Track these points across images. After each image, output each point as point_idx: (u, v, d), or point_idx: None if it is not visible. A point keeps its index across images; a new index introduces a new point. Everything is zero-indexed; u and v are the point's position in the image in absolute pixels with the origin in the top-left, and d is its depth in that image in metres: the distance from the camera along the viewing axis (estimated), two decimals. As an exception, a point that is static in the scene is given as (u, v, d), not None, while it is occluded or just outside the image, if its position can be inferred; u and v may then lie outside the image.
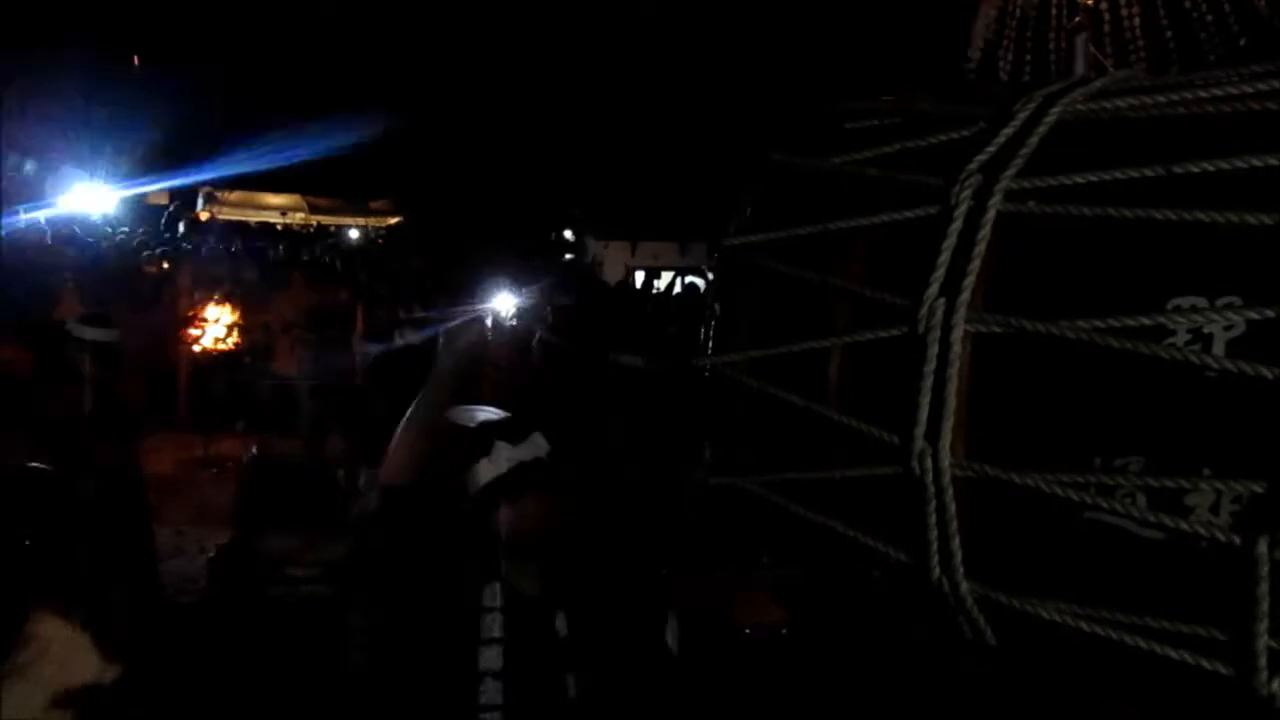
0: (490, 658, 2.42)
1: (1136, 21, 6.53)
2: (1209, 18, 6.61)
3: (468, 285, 13.68)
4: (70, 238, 14.37)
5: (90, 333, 5.16)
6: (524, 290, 13.38)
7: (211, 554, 4.52)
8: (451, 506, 2.65)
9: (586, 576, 2.61)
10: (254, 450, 6.06)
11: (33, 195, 15.53)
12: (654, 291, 18.82)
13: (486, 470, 2.56)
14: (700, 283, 20.33)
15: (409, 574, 2.64)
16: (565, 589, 2.56)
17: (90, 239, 15.10)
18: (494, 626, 2.44)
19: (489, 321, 12.23)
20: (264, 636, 3.98)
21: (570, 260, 22.89)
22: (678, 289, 21.00)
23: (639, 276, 22.74)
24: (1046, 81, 1.76)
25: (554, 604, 2.54)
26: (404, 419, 2.99)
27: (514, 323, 12.72)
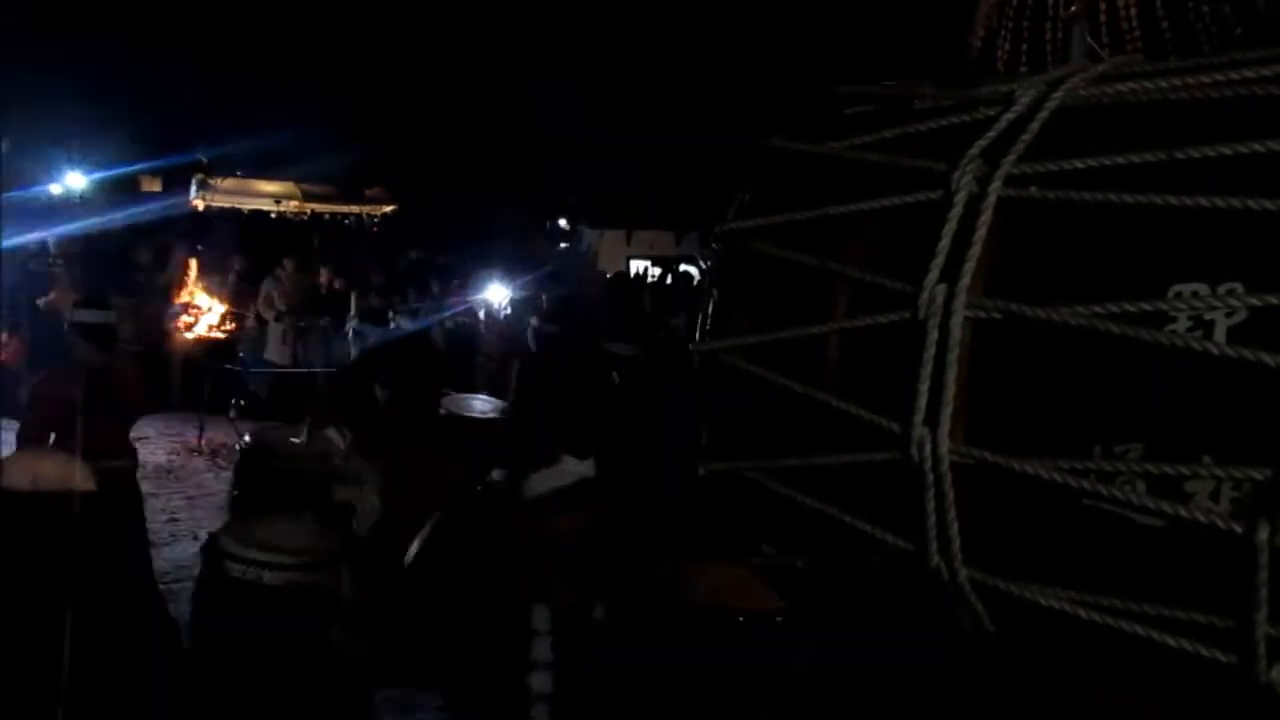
0: (541, 681, 2.43)
1: (1133, 11, 6.51)
2: (1204, 7, 6.60)
3: (463, 274, 13.66)
4: (61, 223, 14.29)
5: (87, 315, 5.12)
6: (519, 280, 13.37)
7: (205, 540, 4.49)
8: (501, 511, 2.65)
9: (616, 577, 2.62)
10: (247, 438, 6.02)
11: (20, 180, 15.45)
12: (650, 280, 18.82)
13: (550, 480, 2.55)
14: (694, 270, 20.34)
15: (447, 574, 2.64)
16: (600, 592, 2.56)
17: (81, 224, 15.03)
18: (545, 649, 2.45)
19: (483, 312, 12.21)
20: (257, 622, 3.97)
21: (565, 249, 22.86)
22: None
23: (634, 266, 22.75)
24: (1046, 69, 1.75)
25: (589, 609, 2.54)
26: None
27: (508, 312, 12.71)
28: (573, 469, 2.58)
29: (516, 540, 2.58)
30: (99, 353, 5.04)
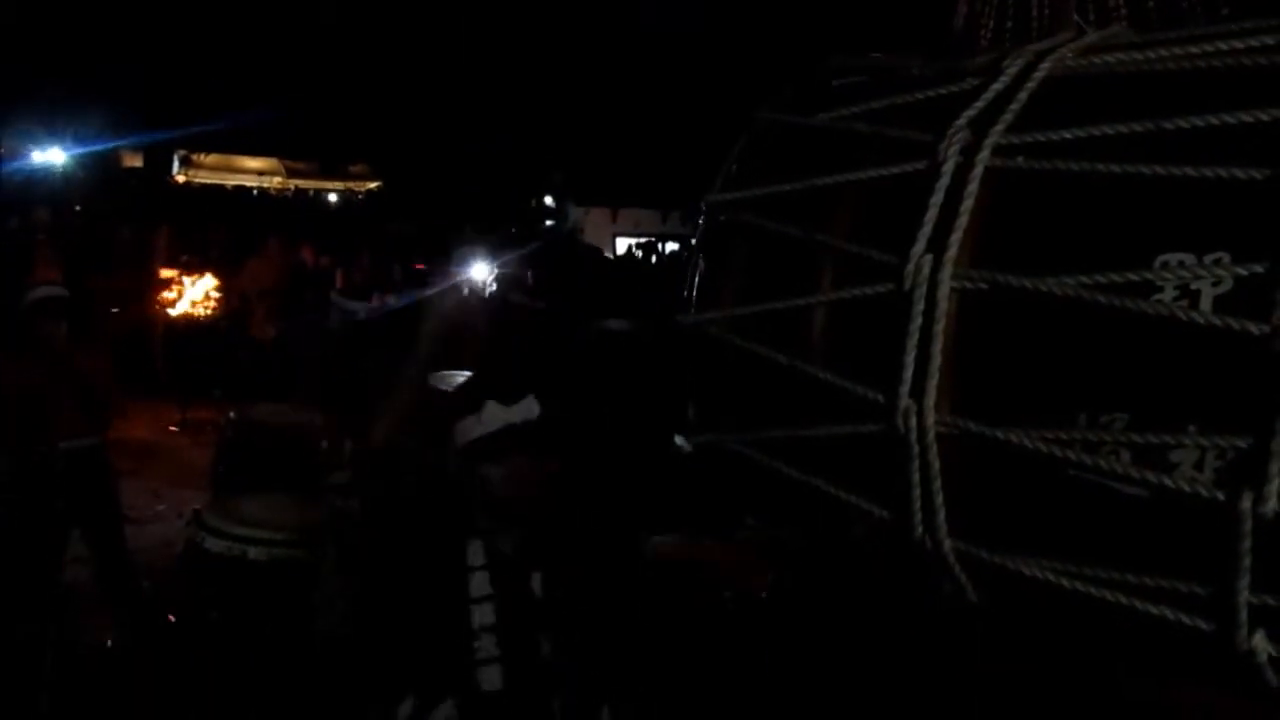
0: (484, 613, 2.43)
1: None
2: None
3: (447, 251, 13.62)
4: (44, 199, 14.17)
5: (41, 291, 5.06)
6: (503, 257, 13.35)
7: (189, 518, 4.48)
8: (435, 465, 2.64)
9: (566, 538, 2.61)
10: (231, 415, 6.00)
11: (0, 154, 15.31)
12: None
13: (473, 427, 2.54)
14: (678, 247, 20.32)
15: (389, 536, 2.64)
16: (543, 550, 2.56)
17: (63, 201, 14.91)
18: (483, 584, 2.45)
19: (467, 289, 12.19)
20: (241, 598, 3.97)
21: (552, 227, 22.76)
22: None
23: (620, 244, 22.71)
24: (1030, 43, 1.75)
25: (531, 564, 2.54)
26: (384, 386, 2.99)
27: (493, 288, 12.69)
28: (497, 414, 2.56)
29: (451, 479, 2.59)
30: (58, 325, 4.99)
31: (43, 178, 16.46)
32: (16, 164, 16.05)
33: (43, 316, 4.96)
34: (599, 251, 17.37)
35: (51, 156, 16.84)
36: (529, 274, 12.54)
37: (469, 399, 2.62)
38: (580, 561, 2.60)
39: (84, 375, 5.06)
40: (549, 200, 23.79)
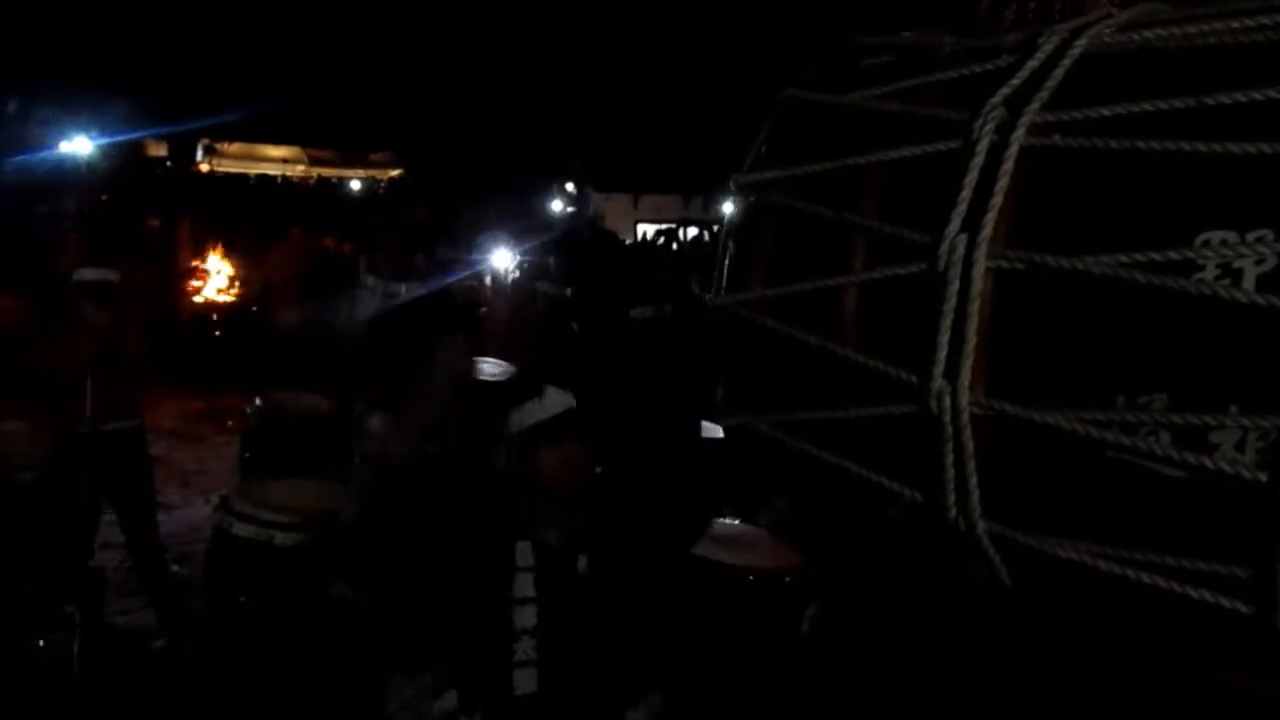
0: (525, 615, 2.42)
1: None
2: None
3: (469, 239, 13.63)
4: (70, 188, 14.27)
5: (89, 273, 5.08)
6: (526, 245, 13.34)
7: (216, 504, 4.52)
8: (479, 466, 2.63)
9: (608, 525, 2.60)
10: (257, 400, 6.03)
11: (27, 144, 15.41)
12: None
13: (534, 411, 2.52)
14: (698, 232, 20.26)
15: (427, 543, 2.62)
16: (592, 536, 2.55)
17: (89, 190, 15.01)
18: (527, 585, 2.44)
19: (489, 277, 12.18)
20: (268, 583, 4.00)
21: (574, 213, 22.75)
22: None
23: (640, 230, 22.68)
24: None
25: (578, 549, 2.52)
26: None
27: (515, 276, 12.68)
28: (557, 399, 2.54)
29: (500, 475, 2.57)
30: (103, 311, 5.01)
31: (69, 167, 16.58)
32: (43, 154, 16.16)
33: (87, 298, 4.98)
34: (616, 238, 17.34)
35: (77, 146, 16.94)
36: (551, 261, 12.53)
37: (529, 384, 2.60)
38: (630, 548, 2.58)
39: (127, 358, 5.10)
40: (570, 187, 23.77)
